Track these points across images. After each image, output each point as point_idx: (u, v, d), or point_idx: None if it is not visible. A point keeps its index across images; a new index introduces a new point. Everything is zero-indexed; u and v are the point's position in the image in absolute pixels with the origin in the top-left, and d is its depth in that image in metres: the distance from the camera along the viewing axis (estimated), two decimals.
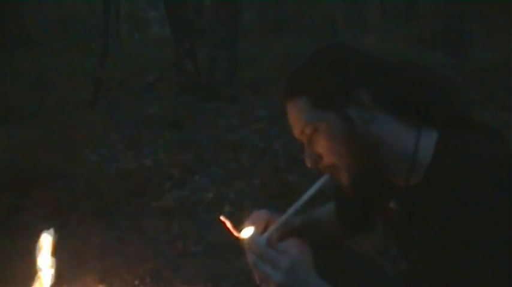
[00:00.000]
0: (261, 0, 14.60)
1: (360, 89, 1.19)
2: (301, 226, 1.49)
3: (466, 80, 6.35)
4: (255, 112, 6.08)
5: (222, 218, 1.35)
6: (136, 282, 2.90)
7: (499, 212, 1.06)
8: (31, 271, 1.51)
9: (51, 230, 1.52)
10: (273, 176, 4.22)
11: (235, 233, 1.34)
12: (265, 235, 1.31)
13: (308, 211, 1.57)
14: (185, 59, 7.48)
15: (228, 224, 1.35)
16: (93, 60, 8.04)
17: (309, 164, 1.28)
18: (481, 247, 1.06)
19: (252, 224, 1.40)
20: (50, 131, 5.34)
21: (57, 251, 1.51)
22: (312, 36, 11.01)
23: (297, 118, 1.26)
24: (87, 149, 4.97)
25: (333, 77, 1.21)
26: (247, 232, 1.31)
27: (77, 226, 3.63)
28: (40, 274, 1.50)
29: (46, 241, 1.49)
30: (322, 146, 1.24)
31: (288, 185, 4.02)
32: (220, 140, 5.15)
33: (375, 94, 1.20)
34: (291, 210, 1.35)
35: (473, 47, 8.27)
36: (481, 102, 5.59)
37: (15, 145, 4.82)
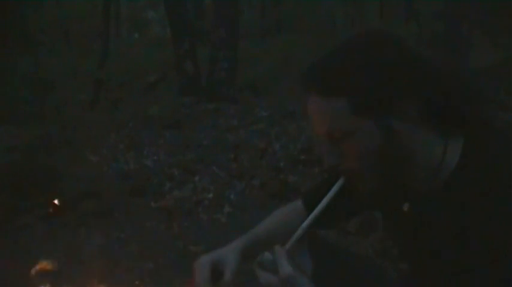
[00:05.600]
0: (261, 0, 14.60)
1: (408, 101, 1.09)
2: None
3: None
4: (255, 113, 6.08)
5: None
6: (137, 282, 2.90)
7: None
8: (31, 272, 1.51)
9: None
10: (273, 177, 4.22)
11: None
12: (287, 246, 1.28)
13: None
14: (185, 60, 7.48)
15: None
16: (94, 61, 8.05)
17: (329, 162, 1.18)
18: (501, 254, 1.05)
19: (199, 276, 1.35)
20: (50, 131, 5.35)
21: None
22: (312, 36, 11.01)
23: (328, 118, 1.12)
24: (87, 149, 4.97)
25: (380, 84, 1.08)
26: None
27: (77, 226, 3.64)
28: None
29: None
30: (350, 151, 1.14)
31: (288, 185, 4.02)
32: (220, 140, 5.15)
33: (422, 107, 1.10)
34: (308, 220, 1.29)
35: (473, 47, 8.26)
36: None
37: (15, 145, 4.83)
